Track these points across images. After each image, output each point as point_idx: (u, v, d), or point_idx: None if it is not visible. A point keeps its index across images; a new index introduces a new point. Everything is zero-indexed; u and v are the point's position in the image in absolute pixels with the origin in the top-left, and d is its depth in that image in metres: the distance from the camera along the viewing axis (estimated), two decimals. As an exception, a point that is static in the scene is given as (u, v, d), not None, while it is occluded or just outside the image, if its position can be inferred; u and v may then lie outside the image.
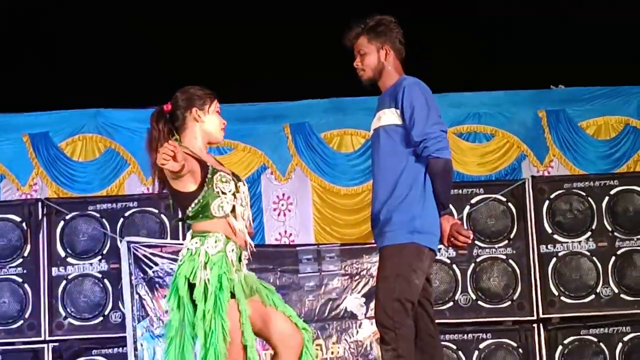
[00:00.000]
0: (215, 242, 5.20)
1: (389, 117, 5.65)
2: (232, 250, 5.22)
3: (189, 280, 5.11)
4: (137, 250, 8.44)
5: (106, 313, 8.82)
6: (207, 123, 5.42)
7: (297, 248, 8.89)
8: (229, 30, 10.15)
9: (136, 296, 8.40)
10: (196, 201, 5.22)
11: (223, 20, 10.05)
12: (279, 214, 9.99)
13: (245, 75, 10.01)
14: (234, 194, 5.29)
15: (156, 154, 5.10)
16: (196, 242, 5.22)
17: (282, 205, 10.01)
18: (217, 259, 5.14)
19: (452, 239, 5.59)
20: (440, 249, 5.90)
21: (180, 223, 8.69)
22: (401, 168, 5.59)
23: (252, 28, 10.04)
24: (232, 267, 5.20)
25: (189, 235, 5.34)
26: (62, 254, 8.89)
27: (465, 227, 8.94)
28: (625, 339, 8.91)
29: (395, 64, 5.79)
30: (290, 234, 9.97)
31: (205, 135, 5.43)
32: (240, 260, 5.29)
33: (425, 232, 5.55)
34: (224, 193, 5.27)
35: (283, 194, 10.02)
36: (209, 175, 5.25)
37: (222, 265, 5.13)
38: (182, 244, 8.22)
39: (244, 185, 5.44)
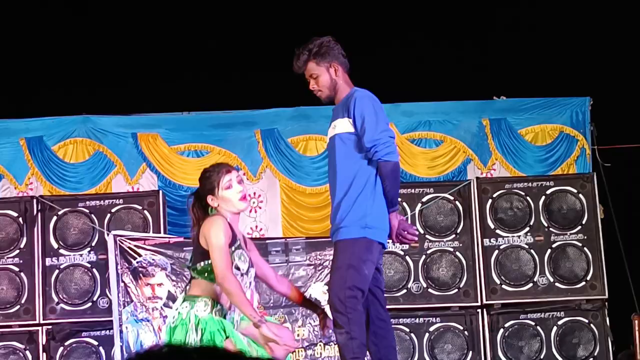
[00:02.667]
0: (205, 305, 5.45)
1: (343, 125, 5.73)
2: (218, 310, 5.49)
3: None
4: (122, 243, 8.59)
5: (94, 299, 8.91)
6: (222, 201, 5.63)
7: (267, 241, 8.93)
8: (205, 41, 10.13)
9: (122, 284, 8.51)
10: (210, 262, 5.43)
11: (203, 32, 10.03)
12: (250, 211, 10.00)
13: (220, 85, 10.05)
14: (242, 274, 5.55)
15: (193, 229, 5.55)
16: (186, 306, 5.46)
17: (254, 202, 10.03)
18: (207, 319, 5.41)
19: (400, 236, 5.79)
20: (389, 242, 5.96)
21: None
22: (355, 171, 5.71)
23: (229, 42, 10.05)
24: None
25: (180, 298, 5.59)
26: (55, 245, 8.97)
27: (417, 223, 9.26)
28: (560, 322, 9.09)
29: (344, 77, 5.87)
30: (261, 229, 10.01)
31: (228, 209, 5.63)
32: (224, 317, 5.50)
33: (374, 227, 5.69)
34: (237, 269, 5.52)
35: (254, 193, 10.05)
36: (232, 249, 5.49)
37: (211, 323, 5.41)
38: (163, 237, 8.63)
39: (252, 268, 5.66)
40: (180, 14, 9.83)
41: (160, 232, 9.01)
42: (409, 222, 9.08)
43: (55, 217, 9.05)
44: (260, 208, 10.14)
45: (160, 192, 9.44)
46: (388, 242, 5.94)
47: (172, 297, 8.51)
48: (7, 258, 9.02)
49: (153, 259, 8.65)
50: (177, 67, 10.01)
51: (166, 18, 9.87)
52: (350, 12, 9.90)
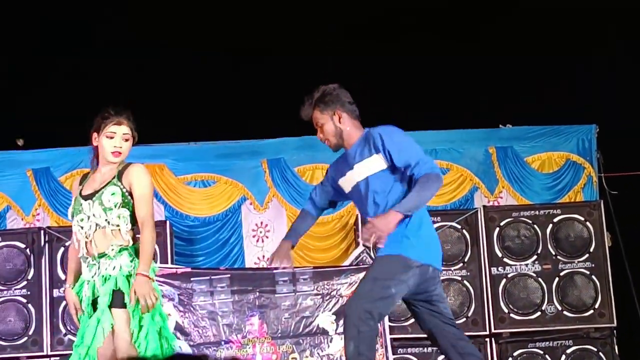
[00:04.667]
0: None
1: (373, 165, 5.56)
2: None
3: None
4: None
5: (102, 330, 8.96)
6: (99, 145, 5.71)
7: (274, 271, 8.72)
8: (211, 71, 10.14)
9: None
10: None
11: (209, 62, 10.05)
12: (257, 240, 9.99)
13: (227, 116, 10.02)
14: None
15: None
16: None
17: (261, 232, 10.01)
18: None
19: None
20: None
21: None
22: (397, 200, 5.50)
23: (235, 72, 10.07)
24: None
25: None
26: (63, 277, 8.86)
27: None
28: (568, 351, 9.07)
29: (352, 123, 5.73)
30: (268, 258, 9.80)
31: (102, 155, 5.72)
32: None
33: (417, 246, 5.45)
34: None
35: (261, 222, 10.03)
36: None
37: None
38: (170, 268, 8.60)
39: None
40: (185, 44, 9.78)
41: (167, 263, 8.99)
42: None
43: (62, 248, 9.02)
44: (267, 237, 10.09)
45: (168, 222, 9.42)
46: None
47: (179, 328, 8.47)
48: (15, 289, 9.01)
49: (160, 290, 8.48)
50: (183, 98, 9.96)
51: (171, 48, 9.84)
52: (354, 42, 9.91)
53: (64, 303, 8.87)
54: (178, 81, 10.02)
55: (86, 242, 5.57)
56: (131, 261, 5.56)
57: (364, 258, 8.94)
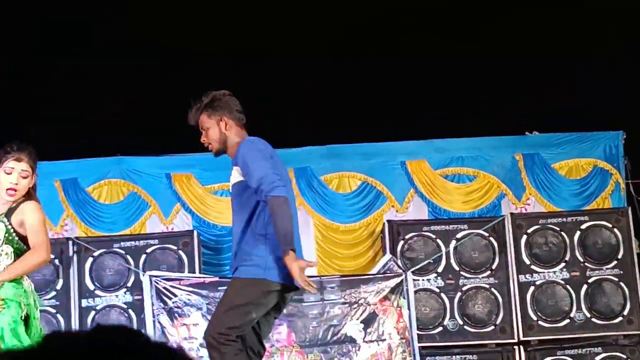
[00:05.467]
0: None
1: (234, 175, 5.60)
2: None
3: None
4: (158, 283, 8.57)
5: (131, 340, 8.97)
6: None
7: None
8: (237, 82, 10.12)
9: (158, 324, 8.47)
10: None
11: (234, 74, 9.72)
12: None
13: (251, 125, 10.12)
14: None
15: None
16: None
17: None
18: None
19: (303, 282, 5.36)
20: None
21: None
22: (247, 216, 5.53)
23: (259, 82, 9.85)
24: None
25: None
26: (91, 287, 9.01)
27: (452, 259, 9.23)
28: (597, 358, 9.03)
29: (237, 131, 5.71)
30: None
31: None
32: None
33: (278, 269, 5.43)
34: None
35: None
36: None
37: None
38: (198, 277, 8.62)
39: None
40: (185, 44, 9.75)
41: (195, 272, 9.01)
42: (443, 258, 9.08)
43: (91, 259, 9.09)
44: (294, 246, 10.04)
45: (195, 231, 9.44)
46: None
47: (208, 337, 8.47)
48: (44, 300, 8.95)
49: (189, 299, 8.61)
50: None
51: (171, 48, 9.81)
52: (354, 42, 9.89)
53: (92, 313, 8.98)
54: (204, 91, 9.98)
55: None
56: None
57: (391, 266, 8.93)
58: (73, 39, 9.64)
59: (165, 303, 8.57)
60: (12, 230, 5.56)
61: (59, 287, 9.04)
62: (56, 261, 9.04)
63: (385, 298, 8.71)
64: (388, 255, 9.15)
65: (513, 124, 10.03)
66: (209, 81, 9.54)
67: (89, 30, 9.72)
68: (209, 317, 8.54)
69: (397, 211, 9.99)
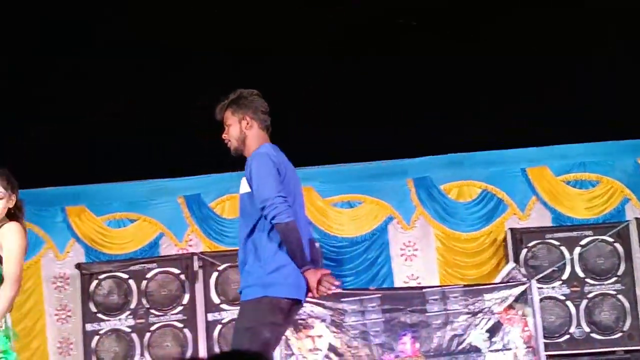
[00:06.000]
0: None
1: (243, 185, 5.47)
2: None
3: None
4: None
5: (256, 353, 9.04)
6: None
7: (424, 290, 8.87)
8: (358, 95, 10.08)
9: (283, 337, 8.72)
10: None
11: (355, 89, 10.00)
12: (405, 259, 9.99)
13: (370, 136, 9.98)
14: None
15: None
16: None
17: (409, 251, 10.00)
18: None
19: (320, 288, 5.29)
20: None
21: None
22: (249, 230, 5.41)
23: (378, 94, 10.04)
24: None
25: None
26: (217, 301, 9.12)
27: (577, 266, 9.14)
28: None
29: (258, 133, 5.55)
30: (417, 277, 9.91)
31: None
32: None
33: (278, 284, 5.31)
34: None
35: (409, 241, 10.03)
36: None
37: None
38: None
39: None
40: (185, 44, 9.69)
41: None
42: (567, 265, 8.98)
43: (216, 273, 9.21)
44: (415, 256, 10.09)
45: (317, 244, 9.45)
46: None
47: (333, 349, 8.53)
48: (171, 315, 9.17)
49: (312, 311, 8.68)
50: (327, 122, 9.99)
51: (171, 48, 9.78)
52: (354, 42, 9.78)
53: (219, 327, 9.09)
54: (322, 104, 10.04)
55: None
56: None
57: (515, 274, 8.86)
58: (73, 39, 9.66)
59: (289, 315, 8.63)
60: None
61: (185, 301, 9.18)
62: (182, 276, 9.19)
63: (510, 307, 8.65)
64: (512, 264, 9.09)
65: (634, 127, 9.82)
66: (209, 81, 9.74)
67: (89, 30, 9.71)
68: (333, 329, 8.61)
69: (519, 219, 9.92)
